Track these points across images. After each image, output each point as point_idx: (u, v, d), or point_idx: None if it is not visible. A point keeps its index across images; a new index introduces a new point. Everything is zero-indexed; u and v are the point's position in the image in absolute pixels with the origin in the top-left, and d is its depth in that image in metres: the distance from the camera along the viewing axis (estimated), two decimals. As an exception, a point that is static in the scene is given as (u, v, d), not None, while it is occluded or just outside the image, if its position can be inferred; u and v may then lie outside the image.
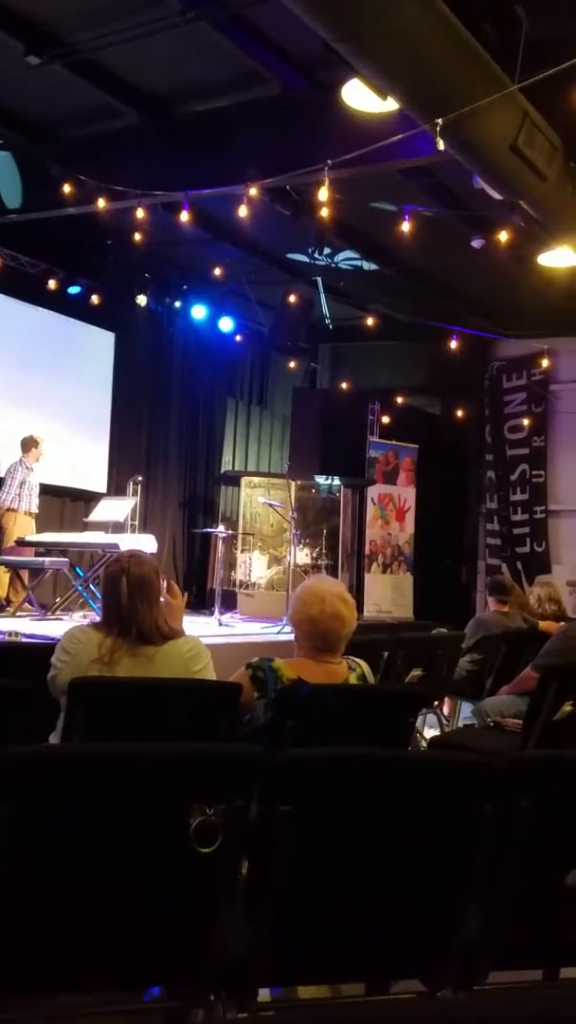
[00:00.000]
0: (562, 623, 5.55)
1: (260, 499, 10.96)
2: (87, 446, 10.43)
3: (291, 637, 3.28)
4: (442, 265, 9.81)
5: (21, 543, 8.44)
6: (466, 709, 6.10)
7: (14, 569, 8.65)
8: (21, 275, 9.40)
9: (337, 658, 3.07)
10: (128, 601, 2.93)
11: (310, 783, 1.99)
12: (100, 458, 10.63)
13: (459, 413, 11.94)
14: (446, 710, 6.18)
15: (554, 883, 2.12)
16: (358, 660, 3.16)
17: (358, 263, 9.92)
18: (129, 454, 10.92)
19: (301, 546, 10.66)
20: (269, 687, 2.94)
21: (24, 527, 8.70)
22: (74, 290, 9.75)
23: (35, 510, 8.93)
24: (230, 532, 10.57)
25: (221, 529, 9.93)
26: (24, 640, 6.00)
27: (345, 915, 2.04)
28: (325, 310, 10.85)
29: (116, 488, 10.39)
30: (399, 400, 11.94)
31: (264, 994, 2.11)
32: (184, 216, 7.19)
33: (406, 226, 7.22)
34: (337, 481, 11.08)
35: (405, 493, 11.72)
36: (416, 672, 4.69)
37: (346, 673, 3.06)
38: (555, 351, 11.32)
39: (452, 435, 12.22)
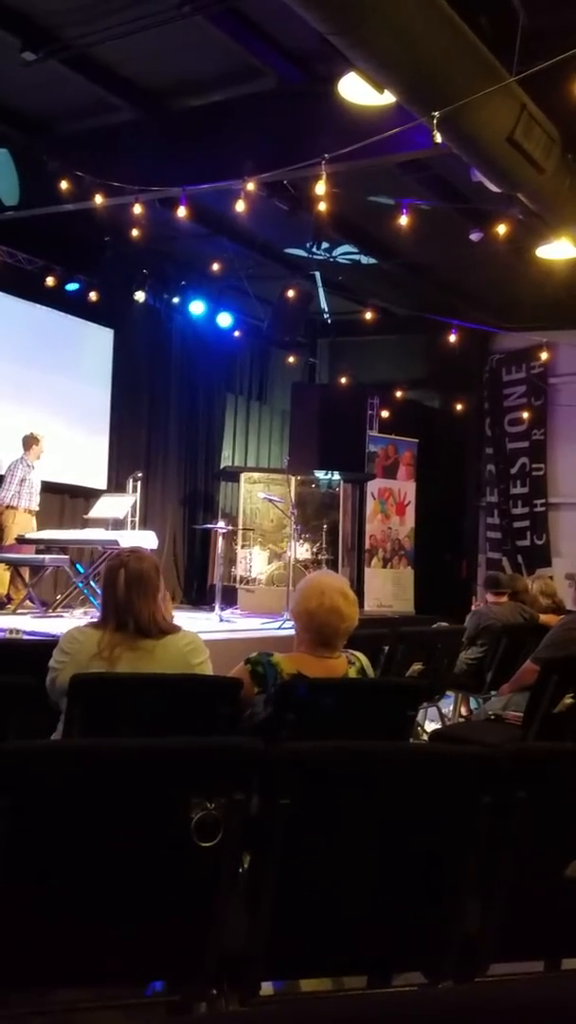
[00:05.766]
0: (562, 615, 5.55)
1: (260, 494, 10.95)
2: (87, 443, 10.43)
3: (292, 632, 3.27)
4: (440, 258, 9.79)
5: (21, 540, 8.45)
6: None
7: (15, 567, 8.66)
8: (19, 272, 9.40)
9: (336, 652, 3.06)
10: (125, 594, 2.93)
11: (310, 776, 1.99)
12: (100, 455, 10.62)
13: (459, 407, 11.93)
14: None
15: (554, 875, 2.12)
16: (357, 653, 3.15)
17: (356, 257, 9.90)
18: (129, 451, 10.92)
19: (301, 541, 10.65)
20: (269, 682, 2.93)
21: (24, 524, 8.71)
22: (72, 287, 9.75)
23: (35, 508, 8.94)
24: (230, 528, 10.56)
25: (221, 525, 9.92)
26: (25, 637, 6.00)
27: (346, 908, 2.04)
28: (323, 304, 10.84)
29: (116, 485, 10.38)
30: (398, 394, 11.94)
31: (266, 987, 2.12)
32: (181, 211, 7.18)
33: (404, 219, 7.21)
34: (337, 476, 11.09)
35: (405, 487, 11.72)
36: (417, 666, 4.70)
37: (345, 667, 3.05)
38: (554, 344, 11.31)
39: (452, 429, 12.22)
